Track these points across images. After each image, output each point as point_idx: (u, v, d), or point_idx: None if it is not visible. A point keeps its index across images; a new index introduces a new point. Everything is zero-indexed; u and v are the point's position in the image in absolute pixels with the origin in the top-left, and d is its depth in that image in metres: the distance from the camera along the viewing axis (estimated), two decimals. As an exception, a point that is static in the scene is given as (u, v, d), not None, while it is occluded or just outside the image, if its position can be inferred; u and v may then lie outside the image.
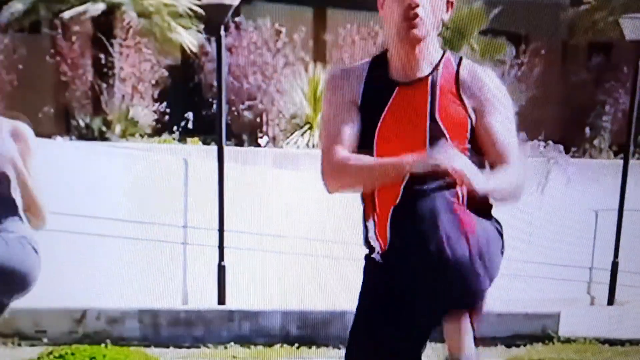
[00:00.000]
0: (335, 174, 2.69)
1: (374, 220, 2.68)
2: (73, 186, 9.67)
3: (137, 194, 10.14)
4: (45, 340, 7.63)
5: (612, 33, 14.16)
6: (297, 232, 10.69)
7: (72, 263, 9.33)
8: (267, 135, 13.04)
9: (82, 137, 12.53)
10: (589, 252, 12.21)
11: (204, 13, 11.17)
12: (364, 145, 2.57)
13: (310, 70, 13.53)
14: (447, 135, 2.48)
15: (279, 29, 13.31)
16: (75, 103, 13.15)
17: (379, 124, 2.54)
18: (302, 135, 13.25)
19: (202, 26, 13.45)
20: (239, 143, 12.89)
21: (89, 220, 9.52)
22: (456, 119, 2.50)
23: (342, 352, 8.25)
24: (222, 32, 9.37)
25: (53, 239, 9.28)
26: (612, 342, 8.42)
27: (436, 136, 2.48)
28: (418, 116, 2.51)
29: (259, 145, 12.90)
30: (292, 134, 13.24)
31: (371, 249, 2.73)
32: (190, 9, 13.41)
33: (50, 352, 6.87)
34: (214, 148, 10.08)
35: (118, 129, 12.64)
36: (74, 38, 13.09)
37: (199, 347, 7.86)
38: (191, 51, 13.48)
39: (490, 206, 2.61)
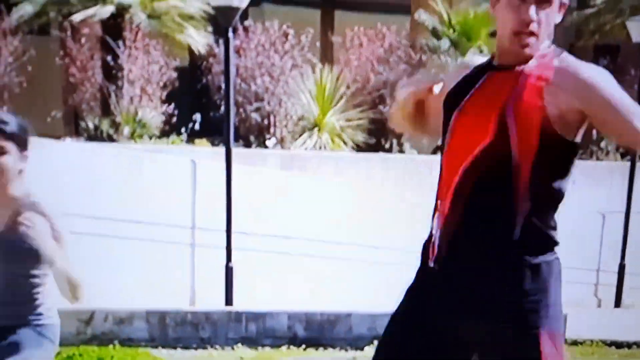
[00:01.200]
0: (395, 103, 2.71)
1: (439, 212, 2.45)
2: (81, 187, 9.71)
3: (145, 196, 10.18)
4: (53, 340, 7.66)
5: (619, 35, 14.15)
6: (304, 234, 10.71)
7: (80, 264, 9.36)
8: (275, 136, 13.06)
9: (90, 138, 12.58)
10: (596, 254, 12.20)
11: (212, 15, 11.21)
12: (445, 129, 2.48)
13: (317, 72, 13.55)
14: (513, 129, 2.33)
15: (287, 30, 13.33)
16: (84, 105, 13.21)
17: (460, 105, 2.44)
18: (310, 137, 13.27)
19: (210, 28, 13.49)
20: (247, 144, 12.91)
21: (96, 221, 9.56)
22: (530, 115, 2.35)
23: (349, 353, 8.30)
24: (230, 34, 9.40)
25: (62, 240, 9.33)
26: (618, 345, 8.41)
27: (502, 127, 2.35)
28: (494, 103, 2.38)
29: (266, 147, 12.93)
30: (299, 135, 13.26)
31: (430, 244, 2.48)
32: (199, 11, 13.45)
33: (59, 353, 6.90)
34: (221, 149, 10.11)
35: (126, 130, 12.69)
36: (83, 40, 13.15)
37: (206, 348, 7.88)
38: (199, 53, 13.52)
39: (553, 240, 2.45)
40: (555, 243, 2.46)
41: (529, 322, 2.38)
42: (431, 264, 2.44)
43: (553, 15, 2.45)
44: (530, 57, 2.45)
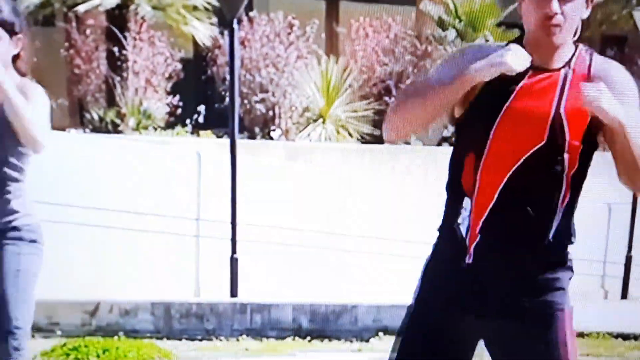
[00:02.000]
0: (396, 102, 2.55)
1: (472, 201, 2.49)
2: (86, 179, 9.70)
3: (150, 187, 10.17)
4: (58, 332, 7.66)
5: (625, 26, 14.10)
6: (309, 225, 10.70)
7: (85, 256, 9.37)
8: (280, 128, 13.04)
9: (95, 130, 12.57)
10: (603, 245, 12.16)
11: (217, 6, 11.18)
12: (480, 139, 2.48)
13: (322, 63, 13.51)
14: (567, 131, 2.42)
15: (292, 21, 13.28)
16: (89, 96, 13.19)
17: (505, 107, 2.46)
18: (315, 128, 13.24)
19: (215, 19, 13.46)
20: (252, 136, 12.89)
21: (102, 213, 9.55)
22: (579, 115, 2.44)
23: (354, 345, 8.28)
24: (235, 25, 9.37)
25: (66, 231, 9.33)
26: (625, 337, 8.38)
27: (555, 130, 2.43)
28: (542, 108, 2.44)
29: (271, 138, 12.90)
30: (304, 127, 13.23)
31: (455, 234, 2.52)
32: (204, 3, 13.42)
33: (64, 345, 6.90)
34: (226, 141, 10.09)
35: (131, 122, 12.67)
36: (87, 31, 13.12)
37: (211, 340, 7.87)
38: (204, 44, 13.49)
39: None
40: (574, 237, 2.59)
41: (556, 301, 2.51)
42: (469, 260, 2.50)
43: (578, 9, 2.50)
44: (562, 58, 2.51)
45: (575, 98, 2.45)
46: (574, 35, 2.53)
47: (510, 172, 2.46)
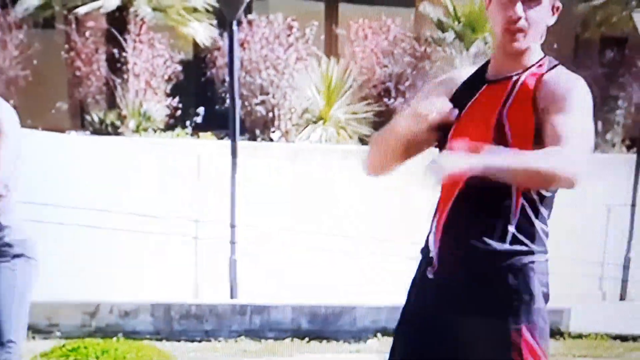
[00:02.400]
0: (370, 148, 2.68)
1: (436, 218, 2.53)
2: (86, 181, 9.72)
3: (150, 189, 10.19)
4: (58, 333, 7.68)
5: (625, 27, 14.10)
6: (309, 227, 10.71)
7: (85, 257, 9.39)
8: (280, 130, 13.05)
9: (96, 132, 12.59)
10: (601, 247, 12.18)
11: (217, 8, 11.19)
12: (442, 141, 2.54)
13: (322, 65, 13.53)
14: (510, 137, 2.41)
15: (291, 23, 13.30)
16: (89, 98, 13.21)
17: (457, 120, 2.48)
18: (315, 130, 13.26)
19: (214, 21, 13.48)
20: (252, 138, 12.90)
21: (102, 215, 9.57)
22: (523, 123, 2.42)
23: (352, 346, 8.29)
24: (235, 27, 9.39)
25: (66, 233, 9.35)
26: (623, 338, 8.39)
27: (500, 136, 2.42)
28: (490, 114, 2.45)
29: (271, 140, 12.92)
30: (304, 128, 13.25)
31: (428, 251, 2.56)
32: (204, 4, 13.44)
33: (63, 346, 6.92)
34: (226, 143, 10.11)
35: (132, 123, 12.69)
36: (88, 33, 13.14)
37: (210, 341, 7.89)
38: (204, 46, 13.51)
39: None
40: (544, 246, 2.52)
41: (511, 319, 2.46)
42: (430, 275, 2.51)
43: (543, 15, 2.49)
44: (523, 66, 2.51)
45: (519, 103, 2.44)
46: (539, 39, 2.50)
47: (462, 184, 2.45)
